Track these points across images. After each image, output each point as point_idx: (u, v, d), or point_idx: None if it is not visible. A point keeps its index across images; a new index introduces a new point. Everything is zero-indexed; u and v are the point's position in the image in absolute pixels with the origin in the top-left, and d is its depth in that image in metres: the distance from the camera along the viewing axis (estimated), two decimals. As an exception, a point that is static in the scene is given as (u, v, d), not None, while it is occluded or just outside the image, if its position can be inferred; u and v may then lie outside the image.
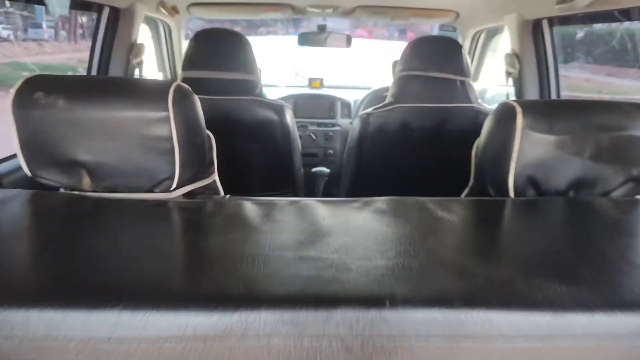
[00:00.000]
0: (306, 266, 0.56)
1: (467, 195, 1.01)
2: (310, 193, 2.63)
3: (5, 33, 7.66)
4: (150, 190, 0.82)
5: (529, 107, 0.81)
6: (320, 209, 0.74)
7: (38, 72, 0.84)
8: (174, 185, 0.81)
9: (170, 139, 0.77)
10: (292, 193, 1.69)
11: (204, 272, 0.55)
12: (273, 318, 0.48)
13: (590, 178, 0.83)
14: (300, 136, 2.79)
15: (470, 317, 0.49)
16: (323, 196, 2.64)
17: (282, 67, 5.58)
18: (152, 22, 2.37)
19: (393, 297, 0.50)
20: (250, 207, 0.75)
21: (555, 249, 0.64)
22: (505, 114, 0.83)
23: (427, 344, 0.48)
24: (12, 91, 0.76)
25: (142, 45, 1.82)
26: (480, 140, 0.95)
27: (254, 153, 1.62)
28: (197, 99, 0.85)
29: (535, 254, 0.63)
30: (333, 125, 2.78)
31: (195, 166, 0.87)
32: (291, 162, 1.65)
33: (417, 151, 1.58)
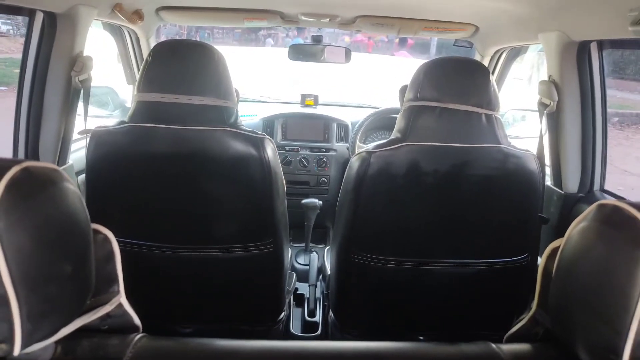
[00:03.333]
0: None
1: (522, 329, 0.63)
2: (299, 228, 2.31)
3: (4, 28, 7.26)
4: None
5: None
6: None
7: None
8: (16, 348, 0.46)
9: None
10: (272, 246, 1.34)
11: None
12: None
13: None
14: (290, 161, 2.49)
15: None
16: (314, 230, 2.31)
17: (280, 78, 5.20)
18: (116, 29, 2.02)
19: None
20: None
21: None
22: (620, 228, 0.47)
23: None
24: None
25: (88, 58, 1.46)
26: (563, 248, 0.58)
27: (226, 196, 1.27)
28: (66, 189, 0.49)
29: None
30: (327, 149, 2.48)
31: (66, 307, 0.51)
32: (272, 207, 1.30)
33: (429, 201, 1.25)
